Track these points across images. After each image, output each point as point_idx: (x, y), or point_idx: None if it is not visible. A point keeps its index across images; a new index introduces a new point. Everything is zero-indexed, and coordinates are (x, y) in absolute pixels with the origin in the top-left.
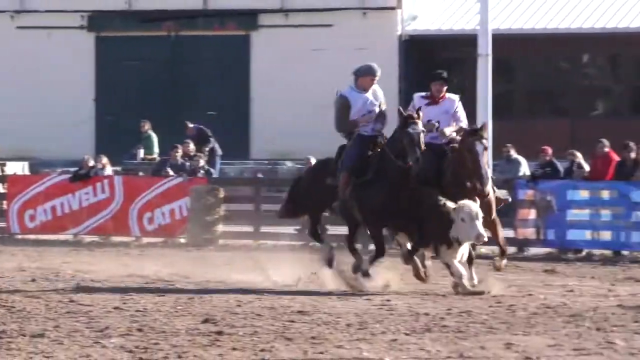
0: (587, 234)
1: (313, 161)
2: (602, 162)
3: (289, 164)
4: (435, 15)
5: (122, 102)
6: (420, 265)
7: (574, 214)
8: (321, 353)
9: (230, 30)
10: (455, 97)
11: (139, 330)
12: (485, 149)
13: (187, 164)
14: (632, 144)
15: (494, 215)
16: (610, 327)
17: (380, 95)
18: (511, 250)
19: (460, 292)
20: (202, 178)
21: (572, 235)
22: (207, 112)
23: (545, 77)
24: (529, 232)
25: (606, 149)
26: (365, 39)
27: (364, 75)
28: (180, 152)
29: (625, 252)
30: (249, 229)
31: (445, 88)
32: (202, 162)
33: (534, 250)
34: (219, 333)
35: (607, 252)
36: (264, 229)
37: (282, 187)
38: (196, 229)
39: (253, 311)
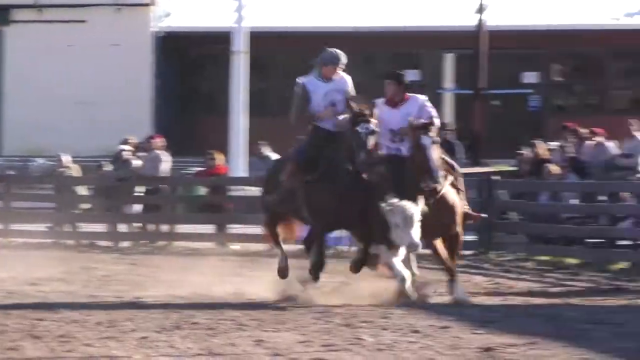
0: (337, 230)
1: (65, 158)
2: None
3: (40, 160)
4: (191, 12)
5: None
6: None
7: None
8: (69, 351)
9: None
10: (421, 97)
11: None
12: (434, 142)
13: None
14: None
15: (457, 229)
16: (358, 323)
17: (349, 86)
18: (263, 247)
19: (403, 300)
20: None
21: None
22: None
23: (300, 74)
24: None
25: None
26: (119, 35)
27: (327, 64)
28: None
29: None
30: None
31: (402, 88)
32: None
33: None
34: None
35: (354, 249)
36: (14, 226)
37: (33, 184)
38: None
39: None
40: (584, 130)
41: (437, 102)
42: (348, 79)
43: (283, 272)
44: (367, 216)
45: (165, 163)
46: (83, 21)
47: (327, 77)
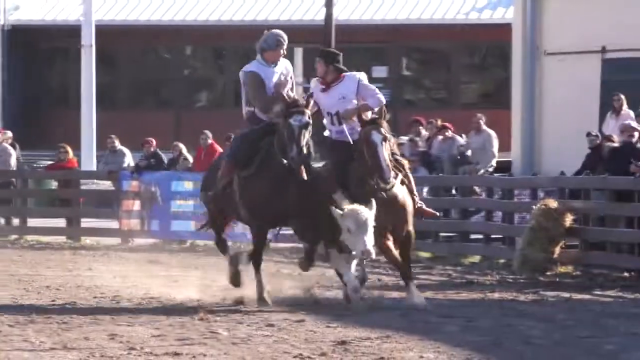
0: (191, 225)
1: None
2: (205, 154)
3: None
4: (39, 5)
5: None
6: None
7: (178, 205)
8: None
9: None
10: (357, 76)
11: None
12: (386, 139)
13: None
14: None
15: (409, 227)
16: (213, 317)
17: (290, 70)
18: (116, 241)
19: (353, 310)
20: None
21: (177, 226)
22: None
23: (149, 68)
24: (134, 224)
25: (209, 141)
26: None
27: (272, 48)
28: None
29: (229, 243)
30: None
31: (332, 67)
32: None
33: (138, 241)
34: None
35: (211, 243)
36: None
37: None
38: None
39: None
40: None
41: None
42: (288, 64)
43: (235, 279)
44: (310, 213)
45: (14, 157)
46: None
47: (273, 62)
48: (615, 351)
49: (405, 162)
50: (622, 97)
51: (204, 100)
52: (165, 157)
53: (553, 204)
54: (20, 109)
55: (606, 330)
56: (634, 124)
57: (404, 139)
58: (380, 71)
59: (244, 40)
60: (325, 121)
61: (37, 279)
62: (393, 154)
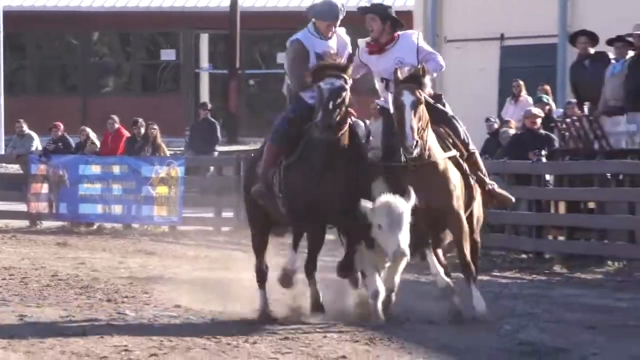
0: (99, 208)
1: None
2: (112, 138)
3: None
4: None
5: None
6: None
7: (85, 188)
8: None
9: None
10: (412, 33)
11: None
12: (419, 102)
13: None
14: (141, 120)
15: (458, 217)
16: (121, 299)
17: (347, 44)
18: (24, 224)
19: (371, 320)
20: None
21: (84, 209)
22: None
23: (56, 54)
24: (42, 206)
25: (116, 125)
26: None
27: (320, 19)
28: None
29: (135, 225)
30: None
31: (387, 25)
32: None
33: (46, 224)
34: None
35: (118, 226)
36: None
37: None
38: None
39: None
40: None
41: (195, 82)
42: (347, 39)
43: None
44: (352, 203)
45: None
46: None
47: (323, 34)
48: (513, 331)
49: (470, 143)
50: (521, 83)
51: (111, 85)
52: (72, 141)
53: None
54: None
55: (505, 310)
56: (536, 110)
57: None
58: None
59: (151, 26)
60: (378, 87)
61: None
62: (440, 125)
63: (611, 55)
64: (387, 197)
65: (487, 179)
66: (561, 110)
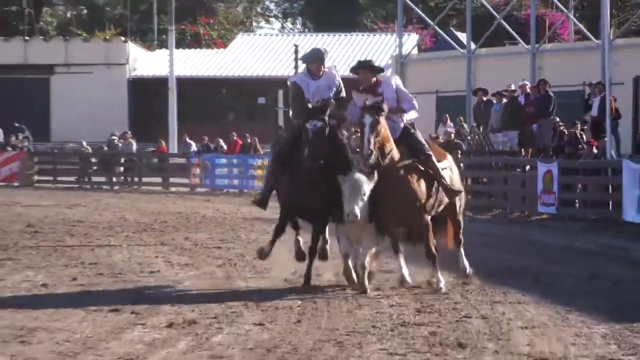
0: (226, 181)
1: None
2: (233, 144)
3: None
4: None
5: None
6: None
7: (219, 171)
8: None
9: None
10: (391, 78)
11: None
12: (377, 122)
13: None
14: (248, 135)
15: (420, 215)
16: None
17: (337, 81)
18: (186, 190)
19: (358, 287)
20: (24, 152)
21: (219, 182)
22: None
23: (217, 104)
24: (196, 181)
25: (235, 137)
26: None
27: (310, 62)
28: (13, 138)
29: (245, 190)
30: None
31: (370, 74)
32: (26, 143)
33: (199, 190)
34: None
35: (236, 191)
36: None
37: None
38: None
39: None
40: None
41: (275, 115)
42: (336, 73)
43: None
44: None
45: None
46: None
47: (316, 74)
48: None
49: (440, 150)
50: (447, 115)
51: (232, 117)
52: (211, 146)
53: None
54: None
55: None
56: (451, 129)
57: None
58: None
59: (251, 86)
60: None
61: None
62: (410, 139)
63: (494, 101)
64: (354, 174)
65: (443, 179)
66: (468, 129)
